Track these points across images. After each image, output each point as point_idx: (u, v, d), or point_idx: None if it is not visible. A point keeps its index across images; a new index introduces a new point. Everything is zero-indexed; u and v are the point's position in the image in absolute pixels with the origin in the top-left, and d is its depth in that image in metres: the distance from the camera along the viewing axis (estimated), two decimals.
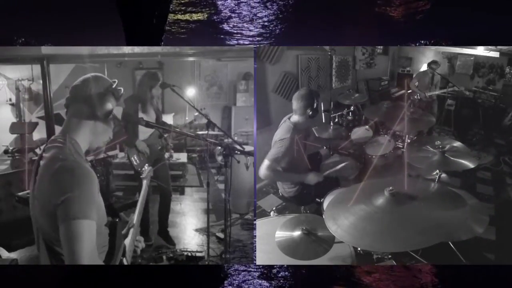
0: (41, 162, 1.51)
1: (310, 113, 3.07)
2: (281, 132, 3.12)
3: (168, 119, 7.68)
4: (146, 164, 2.67)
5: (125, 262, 1.74)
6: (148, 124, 2.76)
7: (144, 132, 3.72)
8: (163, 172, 3.82)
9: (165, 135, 3.82)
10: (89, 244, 1.39)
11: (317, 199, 3.21)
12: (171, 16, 3.95)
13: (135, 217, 2.07)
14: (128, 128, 3.66)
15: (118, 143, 4.28)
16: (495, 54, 7.12)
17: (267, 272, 3.09)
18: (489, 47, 6.75)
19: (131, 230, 1.95)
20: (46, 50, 4.13)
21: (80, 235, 1.36)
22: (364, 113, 4.99)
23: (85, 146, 1.62)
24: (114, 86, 1.65)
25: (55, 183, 1.41)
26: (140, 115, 3.55)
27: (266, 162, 3.05)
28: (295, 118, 3.13)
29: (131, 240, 1.89)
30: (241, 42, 4.05)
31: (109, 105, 1.63)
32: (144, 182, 2.42)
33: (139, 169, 3.61)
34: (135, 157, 3.68)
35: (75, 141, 1.55)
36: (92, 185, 1.45)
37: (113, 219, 1.68)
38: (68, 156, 1.47)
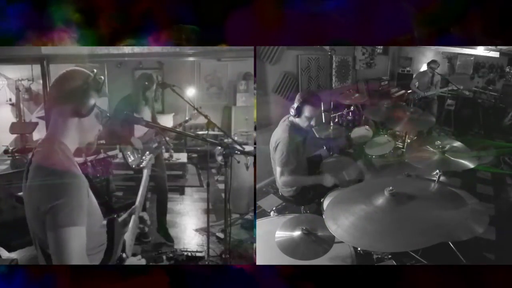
0: (30, 167, 1.47)
1: (292, 112, 3.06)
2: (278, 134, 3.12)
3: (168, 119, 7.69)
4: (147, 152, 2.62)
5: (124, 257, 1.74)
6: (148, 124, 2.79)
7: (139, 130, 3.77)
8: (160, 163, 3.90)
9: (165, 136, 3.86)
10: (77, 251, 1.37)
11: (316, 199, 3.21)
12: None
13: (136, 206, 1.99)
14: (123, 126, 3.70)
15: (118, 143, 4.30)
16: (495, 54, 7.12)
17: (267, 272, 3.07)
18: (489, 47, 6.75)
19: (131, 220, 1.91)
20: (46, 50, 4.13)
21: (68, 243, 1.34)
22: (364, 113, 4.99)
23: (74, 146, 1.56)
24: (93, 77, 1.55)
25: (43, 190, 1.38)
26: (135, 115, 3.59)
27: (278, 169, 3.08)
28: (293, 118, 3.14)
29: (131, 235, 1.86)
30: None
31: (91, 99, 1.54)
32: (145, 172, 2.34)
33: (134, 166, 3.66)
34: (129, 153, 3.73)
35: (63, 144, 1.50)
36: (80, 190, 1.41)
37: (112, 215, 1.65)
38: (56, 161, 1.43)
